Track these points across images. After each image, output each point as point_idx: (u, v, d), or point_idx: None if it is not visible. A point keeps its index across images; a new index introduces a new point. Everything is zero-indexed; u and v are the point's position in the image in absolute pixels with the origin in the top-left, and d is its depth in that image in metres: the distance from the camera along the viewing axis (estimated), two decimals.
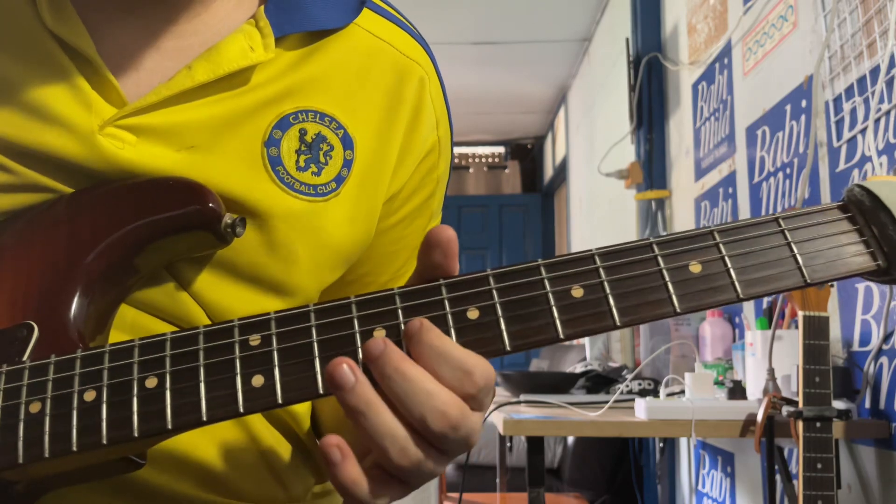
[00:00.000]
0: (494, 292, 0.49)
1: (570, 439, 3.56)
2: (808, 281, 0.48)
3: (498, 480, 2.91)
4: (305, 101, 0.64)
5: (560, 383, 2.36)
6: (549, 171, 6.78)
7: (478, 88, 5.62)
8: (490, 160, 7.38)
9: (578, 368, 2.78)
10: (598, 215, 4.55)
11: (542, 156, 7.14)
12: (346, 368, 0.46)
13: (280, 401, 0.48)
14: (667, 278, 0.48)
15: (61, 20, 0.61)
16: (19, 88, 0.60)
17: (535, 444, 1.74)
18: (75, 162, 0.59)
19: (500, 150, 7.38)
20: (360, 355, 0.48)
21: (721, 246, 0.49)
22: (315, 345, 0.49)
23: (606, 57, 4.28)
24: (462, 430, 0.47)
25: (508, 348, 0.48)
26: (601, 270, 0.48)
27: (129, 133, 0.60)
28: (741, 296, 0.47)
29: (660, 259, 0.49)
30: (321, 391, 0.48)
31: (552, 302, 0.48)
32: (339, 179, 0.65)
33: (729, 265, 0.48)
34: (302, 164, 0.63)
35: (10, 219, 0.61)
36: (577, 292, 0.48)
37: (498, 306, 0.48)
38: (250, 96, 0.63)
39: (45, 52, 0.61)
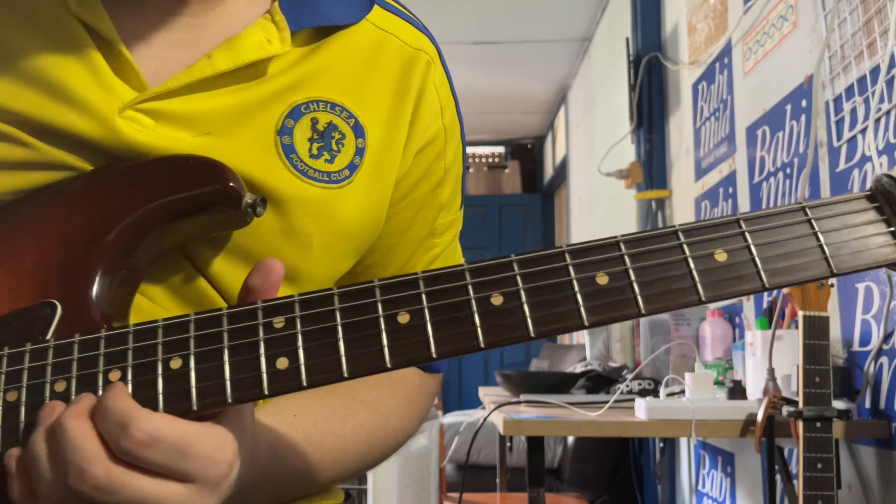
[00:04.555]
0: (518, 278, 0.49)
1: (570, 439, 3.56)
2: (835, 271, 0.47)
3: (498, 480, 2.91)
4: (316, 91, 0.66)
5: (560, 383, 2.36)
6: (549, 171, 6.78)
7: (478, 88, 5.61)
8: (490, 160, 7.38)
9: (578, 368, 2.78)
10: (598, 215, 4.55)
11: (542, 156, 7.14)
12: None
13: (305, 383, 0.48)
14: (692, 266, 0.48)
15: (84, 4, 0.62)
16: (42, 68, 0.61)
17: (535, 444, 1.74)
18: (95, 143, 0.60)
19: (500, 149, 7.38)
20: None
21: (747, 234, 0.48)
22: (339, 328, 0.49)
23: (606, 57, 4.28)
24: (114, 495, 0.46)
25: (532, 334, 0.48)
26: (626, 258, 0.48)
27: (147, 117, 0.61)
28: (767, 285, 0.47)
29: (685, 247, 0.48)
30: (346, 374, 0.48)
31: (577, 289, 0.48)
32: (352, 167, 0.66)
33: (755, 254, 0.48)
34: (315, 151, 0.65)
35: (32, 196, 0.61)
36: (602, 279, 0.48)
37: (522, 292, 0.48)
38: (265, 87, 0.64)
39: (69, 33, 0.62)
